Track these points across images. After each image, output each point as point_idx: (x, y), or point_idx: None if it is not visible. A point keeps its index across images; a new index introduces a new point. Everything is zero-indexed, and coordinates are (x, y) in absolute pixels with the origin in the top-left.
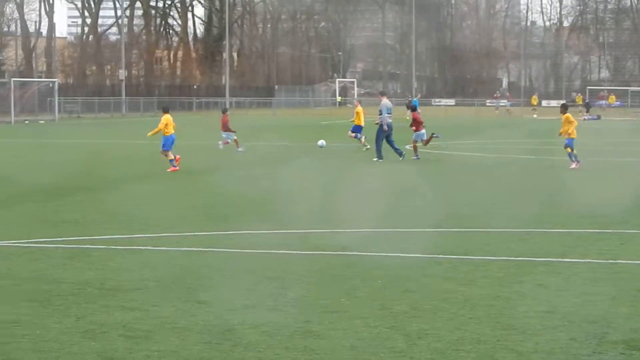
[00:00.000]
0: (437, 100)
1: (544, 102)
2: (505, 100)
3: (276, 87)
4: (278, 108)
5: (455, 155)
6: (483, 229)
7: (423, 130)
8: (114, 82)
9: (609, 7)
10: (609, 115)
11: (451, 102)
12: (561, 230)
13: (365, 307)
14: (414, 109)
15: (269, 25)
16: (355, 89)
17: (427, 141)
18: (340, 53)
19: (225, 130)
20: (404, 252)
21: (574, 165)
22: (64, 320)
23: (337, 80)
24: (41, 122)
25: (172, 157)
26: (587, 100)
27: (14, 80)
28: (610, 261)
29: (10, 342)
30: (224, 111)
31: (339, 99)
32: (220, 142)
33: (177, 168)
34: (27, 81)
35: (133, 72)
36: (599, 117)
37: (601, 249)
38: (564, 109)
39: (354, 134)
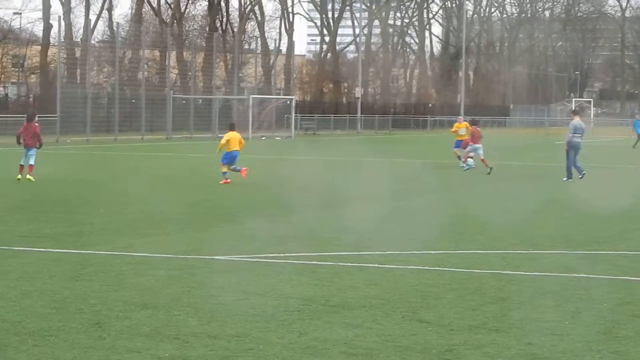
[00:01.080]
0: None
1: None
2: None
3: (511, 106)
4: (512, 127)
5: None
6: None
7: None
8: (350, 100)
9: None
10: None
11: None
12: None
13: (590, 331)
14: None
15: (505, 44)
16: (592, 108)
17: None
18: (577, 72)
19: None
20: (633, 275)
21: None
22: (287, 335)
23: (574, 99)
24: (277, 138)
25: (226, 169)
26: None
27: (252, 97)
28: None
29: (233, 356)
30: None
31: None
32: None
33: (229, 181)
34: (265, 98)
35: (369, 90)
36: None
37: None
38: None
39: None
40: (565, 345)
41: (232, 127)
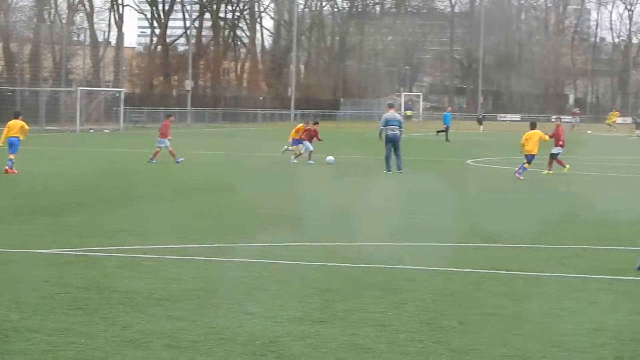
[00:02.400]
0: (502, 115)
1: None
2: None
3: (342, 99)
4: (343, 120)
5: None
6: (539, 245)
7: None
8: (181, 93)
9: None
10: None
11: (517, 117)
12: (618, 247)
13: (413, 322)
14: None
15: (336, 38)
16: (421, 102)
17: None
18: (407, 67)
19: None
20: (457, 267)
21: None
22: (110, 329)
23: (403, 93)
24: (106, 131)
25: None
26: (638, 120)
27: (80, 89)
28: None
29: (54, 350)
30: (315, 122)
31: (408, 112)
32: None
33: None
34: (93, 90)
35: (200, 83)
36: None
37: None
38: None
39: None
40: (388, 335)
41: (15, 115)
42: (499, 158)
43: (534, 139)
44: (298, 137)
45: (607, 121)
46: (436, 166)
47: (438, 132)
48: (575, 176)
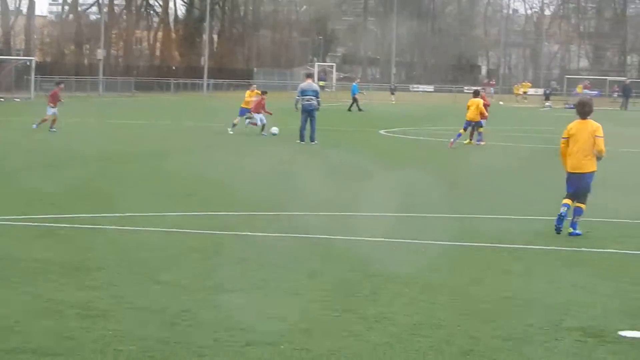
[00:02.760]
0: (416, 86)
1: (533, 90)
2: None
3: (255, 69)
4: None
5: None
6: (455, 214)
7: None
8: (92, 62)
9: None
10: None
11: (430, 88)
12: (529, 217)
13: (326, 290)
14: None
15: (250, 8)
16: (334, 73)
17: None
18: (320, 37)
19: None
20: (370, 237)
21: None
22: (21, 297)
23: (317, 64)
24: (17, 100)
25: None
26: (547, 91)
27: None
28: (574, 249)
29: None
30: (264, 92)
31: (321, 83)
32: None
33: None
34: (3, 59)
35: (112, 52)
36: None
37: (567, 237)
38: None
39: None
40: (304, 304)
41: None
42: (411, 128)
43: (472, 107)
44: (247, 107)
45: (515, 92)
46: (350, 137)
47: (349, 109)
48: (489, 147)
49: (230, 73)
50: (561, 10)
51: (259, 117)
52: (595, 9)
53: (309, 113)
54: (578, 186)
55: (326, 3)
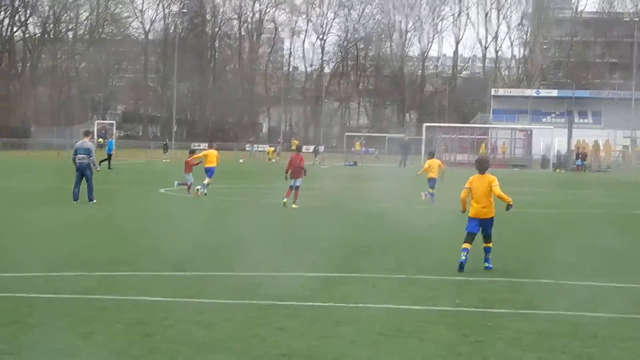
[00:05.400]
0: (197, 144)
1: (304, 147)
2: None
3: (32, 128)
4: (35, 149)
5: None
6: (233, 272)
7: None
8: None
9: (370, 54)
10: (365, 161)
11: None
12: (308, 274)
13: (103, 351)
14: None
15: (28, 64)
16: (114, 130)
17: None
18: (100, 94)
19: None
20: (147, 296)
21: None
22: None
23: (97, 121)
24: None
25: None
26: (317, 148)
27: None
28: (351, 305)
29: None
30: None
31: (100, 141)
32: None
33: None
34: None
35: None
36: (354, 164)
37: (344, 293)
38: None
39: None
40: None
41: None
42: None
43: (434, 165)
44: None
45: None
46: (130, 195)
47: (101, 162)
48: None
49: (7, 131)
50: (341, 68)
51: (189, 178)
52: (373, 66)
53: (82, 172)
54: (483, 228)
55: (106, 60)
